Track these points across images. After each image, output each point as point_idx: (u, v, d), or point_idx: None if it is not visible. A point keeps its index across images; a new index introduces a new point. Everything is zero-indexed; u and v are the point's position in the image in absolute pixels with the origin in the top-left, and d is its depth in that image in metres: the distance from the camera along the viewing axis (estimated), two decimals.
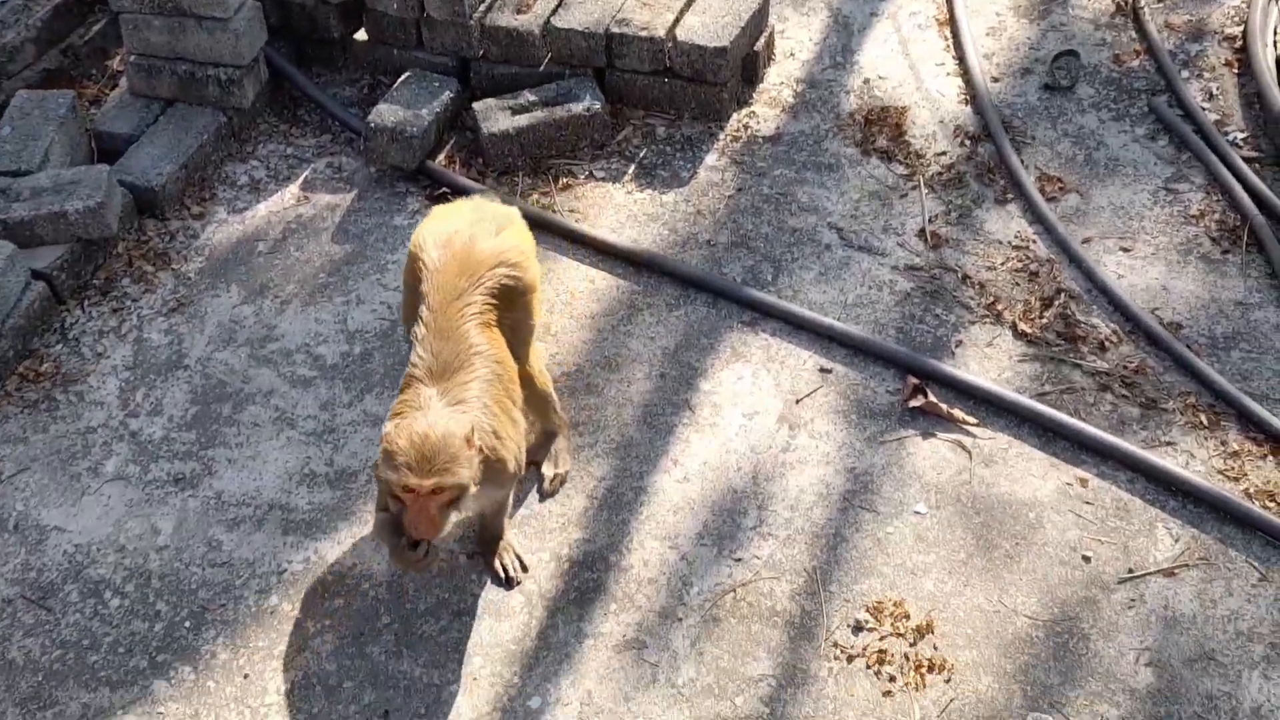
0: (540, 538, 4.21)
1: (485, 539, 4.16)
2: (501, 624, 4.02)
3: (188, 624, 4.04)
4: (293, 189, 5.34)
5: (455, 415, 3.61)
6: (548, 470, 4.35)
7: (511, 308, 3.96)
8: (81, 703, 3.88)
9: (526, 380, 4.13)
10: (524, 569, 4.13)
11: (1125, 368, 4.58)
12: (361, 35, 5.82)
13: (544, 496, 4.32)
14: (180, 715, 3.84)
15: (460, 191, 5.11)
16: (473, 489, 3.61)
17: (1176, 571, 4.06)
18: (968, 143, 5.40)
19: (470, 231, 3.93)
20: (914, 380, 4.54)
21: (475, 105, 5.44)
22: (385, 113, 5.31)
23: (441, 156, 5.41)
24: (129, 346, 4.76)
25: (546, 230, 5.07)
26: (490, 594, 4.08)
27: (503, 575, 4.12)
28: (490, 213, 4.07)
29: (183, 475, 4.40)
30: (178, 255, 5.07)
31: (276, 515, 4.29)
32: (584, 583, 4.11)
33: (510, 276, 3.92)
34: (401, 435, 3.50)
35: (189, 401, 4.60)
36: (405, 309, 4.06)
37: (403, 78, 5.53)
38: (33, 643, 4.00)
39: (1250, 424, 4.39)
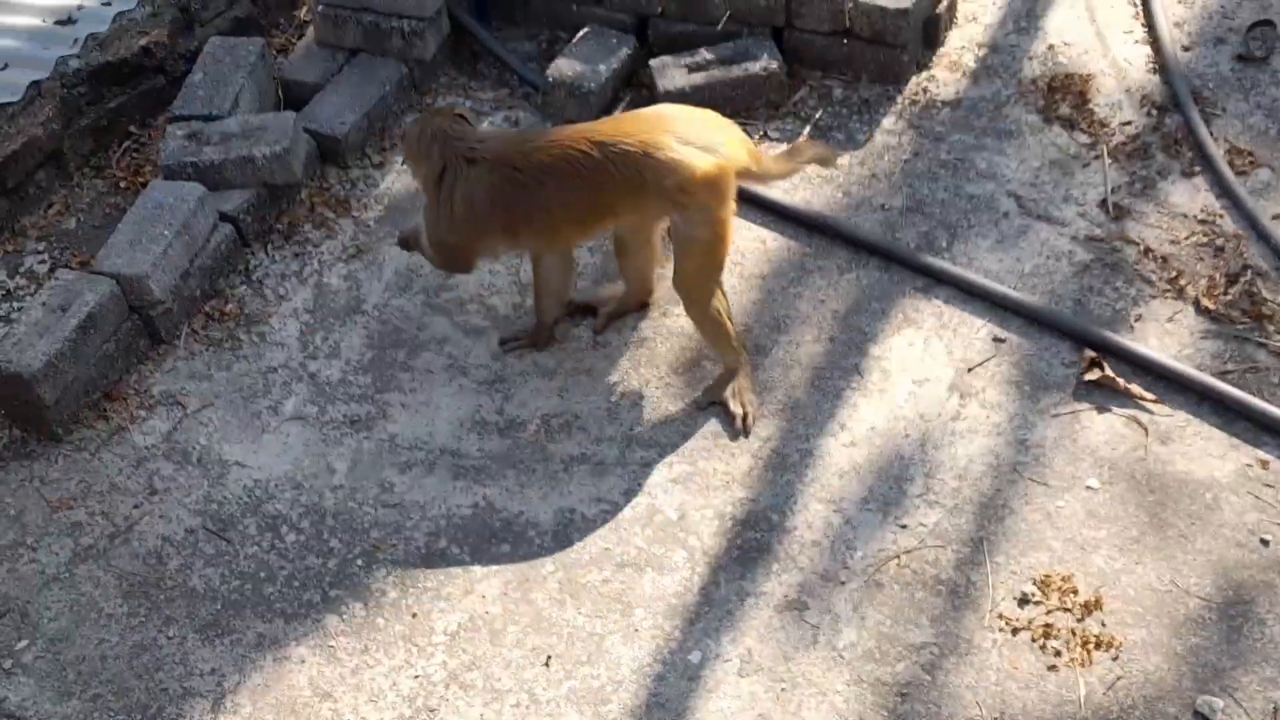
0: (704, 494, 4.23)
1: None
2: (663, 578, 4.06)
3: (359, 561, 4.15)
4: None
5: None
6: (735, 409, 4.39)
7: (644, 203, 4.18)
8: (257, 632, 4.01)
9: (686, 304, 4.35)
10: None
11: None
12: None
13: (739, 434, 4.39)
14: (350, 649, 3.96)
15: None
16: None
17: None
18: (1154, 113, 5.25)
19: (670, 127, 4.13)
20: (1090, 353, 4.45)
21: (652, 62, 5.42)
22: (564, 67, 5.34)
23: (617, 113, 5.42)
24: (309, 290, 4.89)
25: None
26: (653, 548, 4.11)
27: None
28: (706, 137, 4.15)
29: (358, 417, 4.51)
30: (358, 203, 5.17)
31: (447, 460, 4.37)
32: (747, 541, 4.13)
33: (640, 175, 4.09)
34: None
35: (365, 346, 4.71)
36: None
37: (581, 33, 5.54)
38: (213, 572, 4.15)
39: None
